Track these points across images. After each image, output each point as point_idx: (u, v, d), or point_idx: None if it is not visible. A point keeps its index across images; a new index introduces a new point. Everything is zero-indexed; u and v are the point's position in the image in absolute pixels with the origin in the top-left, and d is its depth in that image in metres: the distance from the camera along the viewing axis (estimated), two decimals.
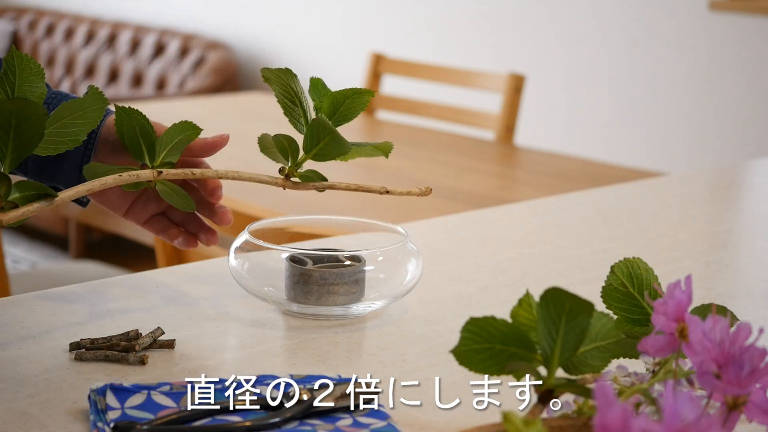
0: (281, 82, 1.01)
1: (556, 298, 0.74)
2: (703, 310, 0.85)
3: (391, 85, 3.63)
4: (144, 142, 1.01)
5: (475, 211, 1.65)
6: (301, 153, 1.01)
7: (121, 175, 0.96)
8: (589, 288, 0.90)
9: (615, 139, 4.10)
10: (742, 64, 3.78)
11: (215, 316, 1.05)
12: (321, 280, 1.04)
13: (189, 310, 1.06)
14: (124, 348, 0.94)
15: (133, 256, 3.35)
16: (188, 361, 0.95)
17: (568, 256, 1.33)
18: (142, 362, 0.93)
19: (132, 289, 1.13)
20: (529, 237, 1.43)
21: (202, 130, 1.03)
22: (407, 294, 1.08)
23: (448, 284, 1.19)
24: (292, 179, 1.01)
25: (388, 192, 1.01)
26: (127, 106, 1.02)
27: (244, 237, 1.08)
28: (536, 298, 0.76)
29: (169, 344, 0.97)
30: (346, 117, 1.02)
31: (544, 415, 0.76)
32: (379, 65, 3.31)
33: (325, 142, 1.00)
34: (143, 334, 0.97)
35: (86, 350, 0.94)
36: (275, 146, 1.02)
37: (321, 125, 0.99)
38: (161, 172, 0.99)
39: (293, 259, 1.06)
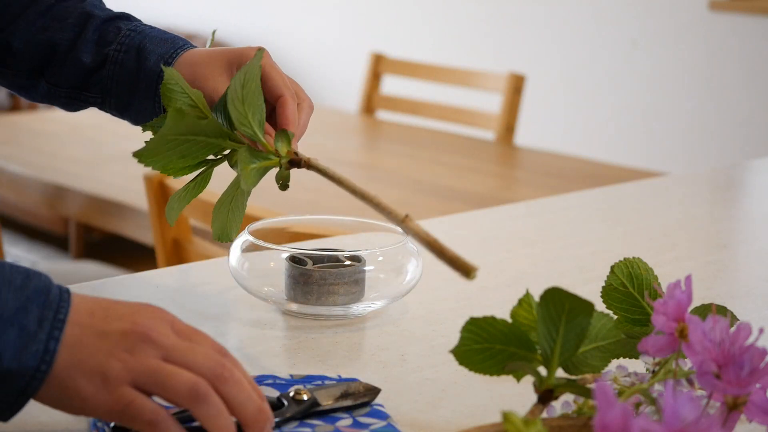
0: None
1: (556, 298, 0.74)
2: (703, 310, 0.85)
3: (391, 85, 3.63)
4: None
5: (475, 211, 1.65)
6: None
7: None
8: (589, 288, 0.90)
9: (615, 139, 4.10)
10: (742, 64, 3.78)
11: (215, 316, 1.05)
12: (321, 280, 1.04)
13: (189, 310, 1.06)
14: None
15: (133, 256, 3.35)
16: None
17: (568, 256, 1.33)
18: None
19: (132, 289, 1.13)
20: (529, 237, 1.43)
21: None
22: (407, 294, 1.08)
23: (448, 284, 1.19)
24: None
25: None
26: None
27: (244, 237, 1.08)
28: (536, 298, 0.76)
29: None
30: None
31: (544, 415, 0.76)
32: (379, 65, 3.31)
33: None
34: None
35: None
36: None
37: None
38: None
39: (293, 259, 1.06)
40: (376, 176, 2.55)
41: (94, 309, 0.74)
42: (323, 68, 4.77)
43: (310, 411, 0.83)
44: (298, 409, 0.83)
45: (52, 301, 0.73)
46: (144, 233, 2.24)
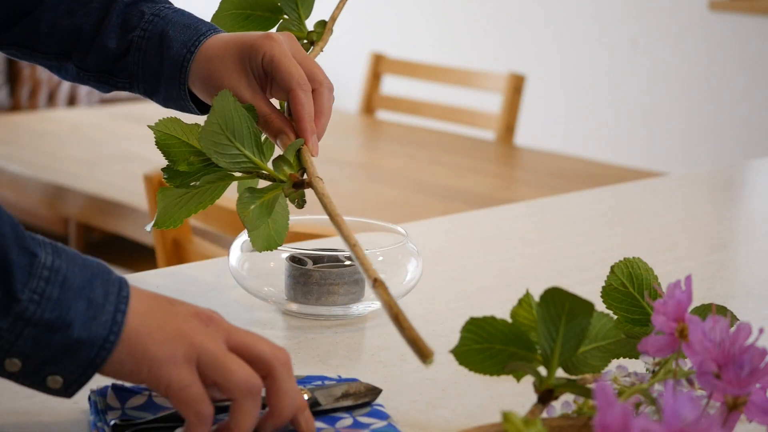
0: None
1: (556, 298, 0.74)
2: (703, 310, 0.85)
3: (391, 85, 3.63)
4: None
5: (475, 211, 1.65)
6: None
7: None
8: (589, 288, 0.89)
9: (615, 139, 4.10)
10: (742, 64, 3.78)
11: None
12: (321, 280, 1.04)
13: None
14: None
15: (133, 256, 3.35)
16: None
17: (568, 256, 1.33)
18: None
19: None
20: (529, 237, 1.43)
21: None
22: (407, 294, 1.08)
23: (448, 284, 1.19)
24: None
25: None
26: None
27: (244, 237, 1.08)
28: (536, 298, 0.76)
29: None
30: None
31: (544, 415, 0.76)
32: (379, 65, 3.31)
33: None
34: None
35: None
36: None
37: None
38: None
39: (293, 259, 1.06)
40: (376, 176, 2.55)
41: (155, 295, 0.78)
42: (323, 68, 4.76)
43: (311, 410, 0.83)
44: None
45: (115, 280, 0.76)
46: (144, 233, 2.24)
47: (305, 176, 0.96)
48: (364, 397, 0.85)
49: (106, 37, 1.08)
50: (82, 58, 1.09)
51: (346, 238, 0.86)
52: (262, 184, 0.98)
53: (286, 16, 1.12)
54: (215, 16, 1.12)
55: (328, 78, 1.04)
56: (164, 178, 0.99)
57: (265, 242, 1.01)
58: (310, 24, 1.13)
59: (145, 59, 1.07)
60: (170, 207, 1.01)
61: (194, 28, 1.06)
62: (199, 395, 0.74)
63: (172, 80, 1.05)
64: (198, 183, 0.99)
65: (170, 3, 1.10)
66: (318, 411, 0.83)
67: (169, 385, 0.74)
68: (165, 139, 0.99)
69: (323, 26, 1.15)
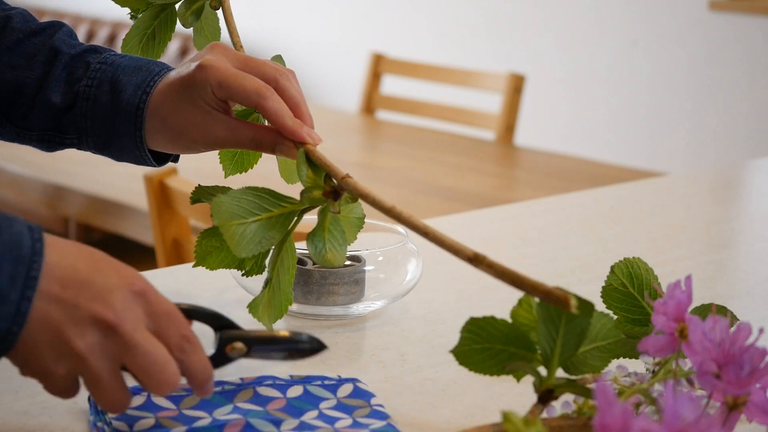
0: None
1: None
2: (703, 310, 0.85)
3: (391, 85, 3.63)
4: None
5: (475, 211, 1.65)
6: None
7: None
8: (589, 288, 0.90)
9: (615, 139, 4.10)
10: (742, 64, 3.78)
11: None
12: (321, 280, 1.04)
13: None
14: None
15: (133, 256, 3.35)
16: None
17: (568, 256, 1.33)
18: None
19: None
20: (529, 237, 1.43)
21: None
22: (407, 294, 1.08)
23: (448, 284, 1.19)
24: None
25: None
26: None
27: None
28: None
29: None
30: None
31: (544, 415, 0.76)
32: (379, 65, 3.31)
33: None
34: None
35: None
36: None
37: None
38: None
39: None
40: (376, 176, 2.55)
41: (67, 279, 0.72)
42: (323, 68, 4.77)
43: (242, 357, 0.81)
44: (241, 355, 0.81)
45: (25, 256, 0.71)
46: (144, 233, 2.24)
47: (334, 182, 0.90)
48: (310, 344, 0.82)
49: (49, 91, 1.01)
50: (23, 116, 1.02)
51: (415, 227, 0.82)
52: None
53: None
54: (123, 50, 1.07)
55: (280, 65, 0.96)
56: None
57: (325, 260, 0.92)
58: None
59: (94, 109, 0.99)
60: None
61: (146, 70, 0.99)
62: (112, 388, 0.72)
63: (126, 128, 0.98)
64: None
65: (115, 51, 1.03)
66: (257, 357, 0.81)
67: (83, 371, 0.72)
68: None
69: None
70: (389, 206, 0.84)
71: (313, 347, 0.81)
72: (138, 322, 0.73)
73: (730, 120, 3.84)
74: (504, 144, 2.98)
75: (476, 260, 0.77)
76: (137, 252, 3.01)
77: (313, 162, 0.90)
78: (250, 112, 1.01)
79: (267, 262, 0.94)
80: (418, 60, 3.42)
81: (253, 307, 0.92)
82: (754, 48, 3.76)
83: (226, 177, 1.03)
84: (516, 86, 3.01)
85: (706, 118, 3.89)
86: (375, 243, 1.09)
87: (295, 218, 0.90)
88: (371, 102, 3.29)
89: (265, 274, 0.94)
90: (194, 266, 0.95)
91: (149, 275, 1.19)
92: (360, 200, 0.90)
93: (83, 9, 5.46)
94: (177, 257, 1.90)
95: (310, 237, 0.90)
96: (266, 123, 0.96)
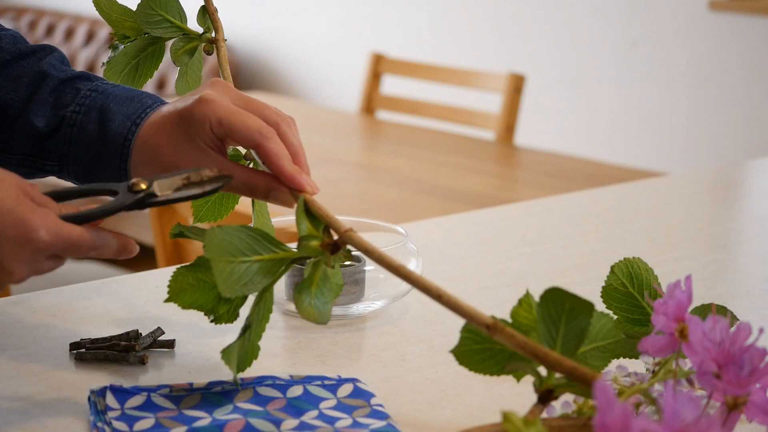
0: None
1: (556, 298, 0.74)
2: (703, 310, 0.85)
3: (391, 85, 3.63)
4: None
5: (475, 211, 1.65)
6: None
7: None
8: (589, 288, 0.90)
9: (615, 139, 4.10)
10: (742, 64, 3.78)
11: None
12: None
13: (188, 310, 1.06)
14: (124, 348, 0.94)
15: (133, 256, 3.35)
16: (188, 361, 0.95)
17: (568, 256, 1.33)
18: (142, 362, 0.93)
19: (132, 289, 1.13)
20: (529, 237, 1.43)
21: None
22: (407, 294, 1.08)
23: (448, 284, 1.19)
24: None
25: None
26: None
27: None
28: (536, 298, 0.76)
29: (169, 344, 0.97)
30: None
31: (544, 415, 0.76)
32: (379, 65, 3.31)
33: None
34: (143, 334, 0.97)
35: (86, 350, 0.94)
36: None
37: None
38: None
39: (293, 259, 1.06)
40: (376, 176, 2.55)
41: None
42: (323, 68, 4.77)
43: (147, 202, 0.81)
44: (134, 199, 0.81)
45: None
46: (144, 233, 2.24)
47: (333, 234, 0.86)
48: (213, 184, 0.80)
49: (33, 114, 0.97)
50: (5, 139, 0.98)
51: (427, 290, 0.81)
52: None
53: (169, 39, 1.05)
54: (105, 73, 1.04)
55: (281, 111, 0.93)
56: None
57: (313, 316, 0.86)
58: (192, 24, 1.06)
59: (79, 136, 0.95)
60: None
61: (138, 101, 0.95)
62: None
63: (111, 159, 0.94)
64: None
65: (107, 80, 1.00)
66: (156, 202, 0.81)
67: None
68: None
69: (204, 14, 1.04)
70: (396, 265, 0.81)
71: (214, 174, 0.82)
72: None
73: (730, 120, 3.84)
74: (504, 144, 2.98)
75: (494, 329, 0.75)
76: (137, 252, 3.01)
77: (312, 213, 0.87)
78: (240, 158, 0.96)
79: (240, 311, 0.88)
80: (418, 60, 3.42)
81: (226, 354, 0.84)
82: (754, 48, 3.76)
83: (194, 223, 0.96)
84: (516, 86, 3.01)
85: (706, 118, 3.89)
86: (375, 243, 1.09)
87: (283, 267, 0.85)
88: (371, 102, 3.29)
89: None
90: (165, 301, 0.89)
91: (149, 275, 1.19)
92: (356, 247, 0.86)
93: (83, 9, 5.46)
94: (177, 257, 1.90)
95: (298, 289, 0.84)
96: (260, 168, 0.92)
